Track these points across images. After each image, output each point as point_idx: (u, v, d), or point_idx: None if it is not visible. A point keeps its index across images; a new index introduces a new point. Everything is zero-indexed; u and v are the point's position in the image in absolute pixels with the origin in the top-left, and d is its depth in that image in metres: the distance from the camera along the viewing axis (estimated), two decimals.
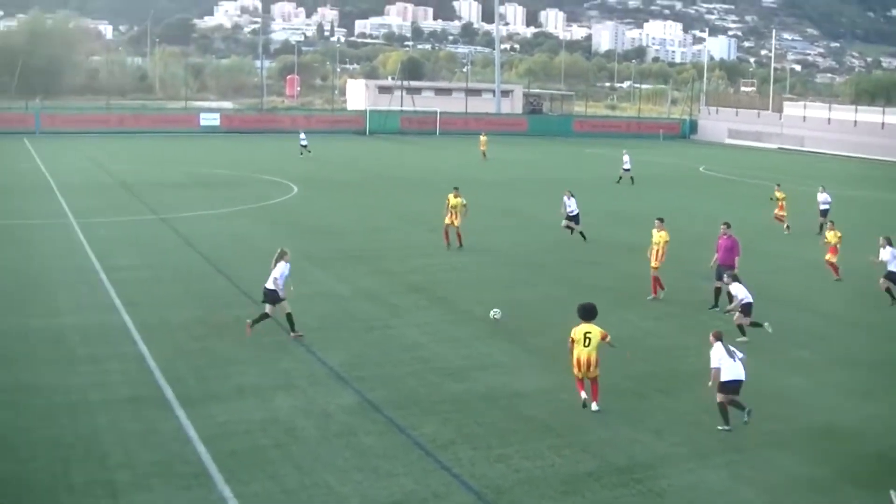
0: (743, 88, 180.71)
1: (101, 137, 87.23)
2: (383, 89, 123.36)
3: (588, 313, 17.97)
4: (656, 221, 27.78)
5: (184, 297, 26.37)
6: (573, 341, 17.68)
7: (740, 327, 22.81)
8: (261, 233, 36.32)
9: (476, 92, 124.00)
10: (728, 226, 26.68)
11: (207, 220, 40.44)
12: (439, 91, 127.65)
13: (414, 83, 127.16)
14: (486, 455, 15.77)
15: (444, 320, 24.72)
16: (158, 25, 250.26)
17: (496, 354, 21.67)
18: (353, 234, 37.72)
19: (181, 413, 17.20)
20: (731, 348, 17.24)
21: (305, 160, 67.19)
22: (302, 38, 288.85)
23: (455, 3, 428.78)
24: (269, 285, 22.04)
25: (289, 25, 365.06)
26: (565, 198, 36.46)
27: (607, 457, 15.86)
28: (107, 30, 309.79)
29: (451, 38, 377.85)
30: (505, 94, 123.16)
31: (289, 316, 22.21)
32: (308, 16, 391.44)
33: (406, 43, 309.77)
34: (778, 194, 41.49)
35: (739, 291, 22.75)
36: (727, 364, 16.85)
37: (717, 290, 26.06)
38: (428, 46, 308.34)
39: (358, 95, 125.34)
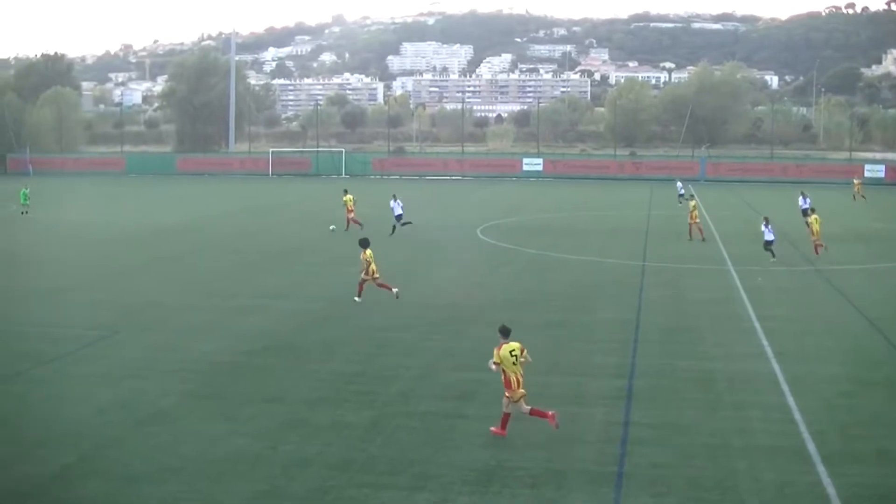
0: None
1: (763, 186, 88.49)
2: None
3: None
4: None
5: (834, 351, 25.90)
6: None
7: None
8: None
9: None
10: None
11: (864, 274, 39.43)
12: None
13: None
14: None
15: None
16: (824, 75, 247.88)
17: None
18: None
19: (821, 469, 16.89)
20: None
21: None
22: None
23: None
24: None
25: None
26: None
27: None
28: (772, 80, 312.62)
29: None
30: None
31: None
32: None
33: None
34: None
35: None
36: None
37: None
38: None
39: None
